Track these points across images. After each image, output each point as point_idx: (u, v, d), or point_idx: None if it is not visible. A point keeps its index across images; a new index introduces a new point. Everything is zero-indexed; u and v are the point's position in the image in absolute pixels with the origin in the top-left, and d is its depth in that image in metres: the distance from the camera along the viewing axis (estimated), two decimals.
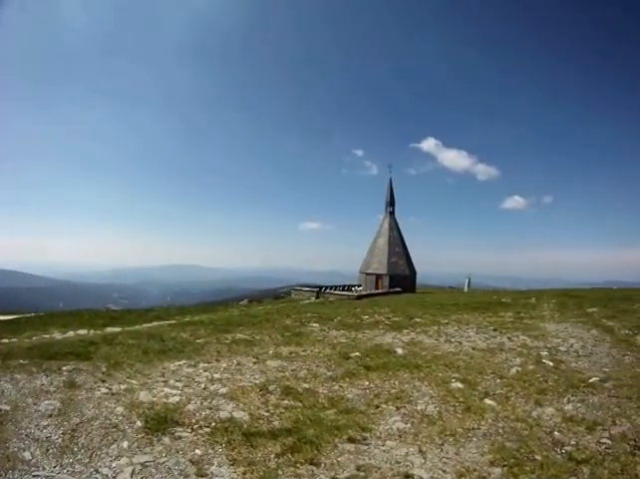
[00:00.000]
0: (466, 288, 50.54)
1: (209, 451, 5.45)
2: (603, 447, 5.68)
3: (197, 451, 5.43)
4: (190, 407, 6.84)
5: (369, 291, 43.67)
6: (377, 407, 7.20)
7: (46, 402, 6.72)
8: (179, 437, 5.79)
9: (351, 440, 5.92)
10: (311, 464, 5.21)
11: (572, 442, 5.86)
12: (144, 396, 7.22)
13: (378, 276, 48.67)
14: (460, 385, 8.19)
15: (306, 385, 8.21)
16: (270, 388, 7.92)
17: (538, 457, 5.43)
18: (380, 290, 45.33)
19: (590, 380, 8.38)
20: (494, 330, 14.20)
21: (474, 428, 6.36)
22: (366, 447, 5.76)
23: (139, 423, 6.12)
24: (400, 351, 11.02)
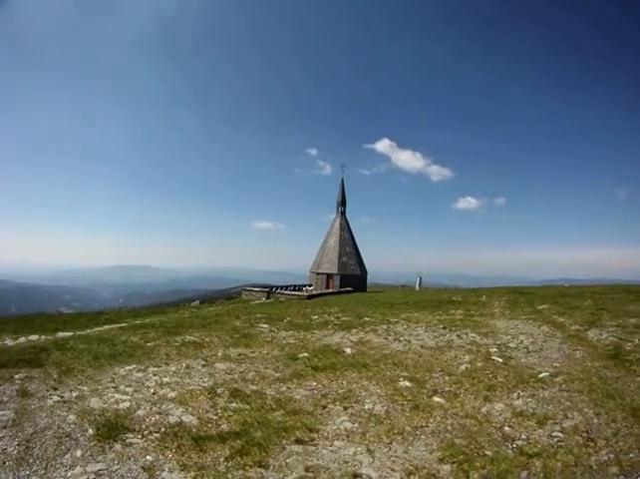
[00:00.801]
0: (417, 287, 51.46)
1: (160, 457, 5.41)
2: (555, 440, 5.76)
3: (149, 457, 5.39)
4: (140, 413, 6.78)
5: (320, 291, 43.91)
6: (324, 408, 7.18)
7: (0, 413, 6.53)
8: (131, 444, 5.74)
9: (299, 441, 5.91)
10: (260, 467, 5.21)
11: (523, 436, 5.92)
12: (94, 403, 7.12)
13: (329, 276, 49.13)
14: (408, 384, 8.20)
15: (254, 387, 8.15)
16: (218, 391, 7.85)
17: (489, 452, 5.47)
18: (331, 290, 45.68)
19: (540, 375, 8.52)
20: (444, 328, 14.38)
21: (422, 426, 6.36)
22: (314, 448, 5.75)
23: (90, 431, 6.04)
24: (348, 351, 11.01)
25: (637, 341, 11.22)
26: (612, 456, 5.27)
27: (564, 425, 6.20)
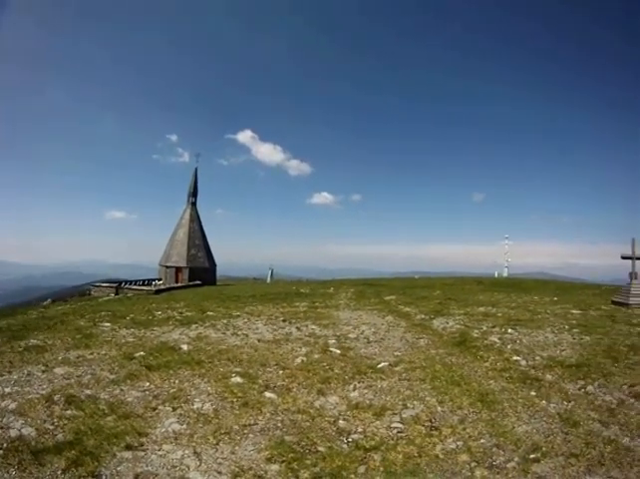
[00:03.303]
0: (269, 279, 51.97)
1: (5, 475, 5.10)
2: (395, 432, 5.84)
3: None
4: None
5: (168, 285, 42.87)
6: (154, 409, 6.92)
7: None
8: None
9: (129, 447, 5.72)
10: (93, 477, 5.05)
11: (359, 430, 5.95)
12: None
13: (178, 269, 48.33)
14: (240, 380, 8.06)
15: (89, 392, 7.66)
16: (55, 398, 7.31)
17: (321, 449, 5.43)
18: (179, 284, 44.78)
19: (379, 365, 8.74)
20: (284, 321, 14.46)
21: (251, 424, 6.25)
22: (143, 453, 5.58)
23: None
24: (185, 348, 10.64)
25: (485, 328, 12.01)
26: (460, 443, 5.44)
27: (404, 415, 6.33)
